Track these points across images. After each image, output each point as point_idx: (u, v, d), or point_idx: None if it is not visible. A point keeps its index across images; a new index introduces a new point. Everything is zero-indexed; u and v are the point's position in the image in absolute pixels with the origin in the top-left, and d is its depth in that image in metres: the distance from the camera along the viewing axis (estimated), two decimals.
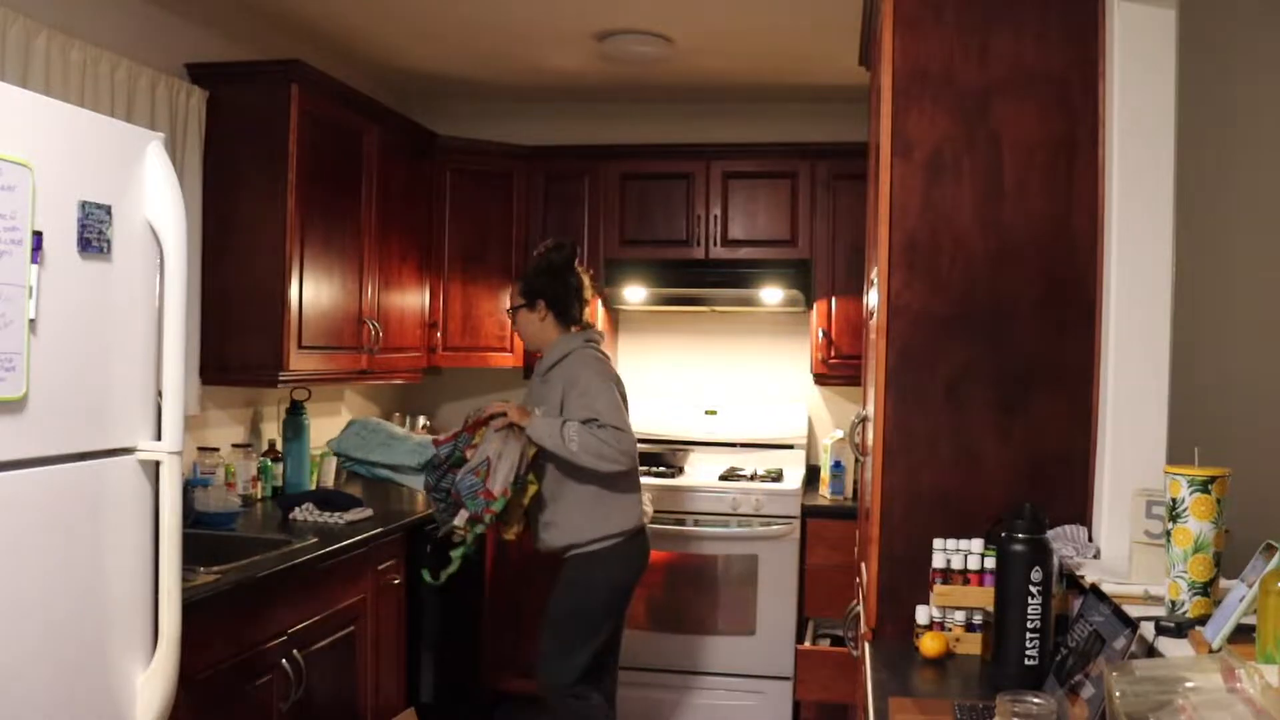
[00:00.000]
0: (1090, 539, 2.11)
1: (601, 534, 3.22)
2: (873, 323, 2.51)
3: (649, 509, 3.43)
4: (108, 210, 1.94)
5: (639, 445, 4.57)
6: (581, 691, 3.27)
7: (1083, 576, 1.90)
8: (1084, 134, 2.16)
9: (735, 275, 4.42)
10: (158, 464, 2.07)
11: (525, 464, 3.12)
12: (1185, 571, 1.61)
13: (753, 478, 4.30)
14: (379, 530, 3.26)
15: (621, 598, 3.33)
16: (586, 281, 3.35)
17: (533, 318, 3.30)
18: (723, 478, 4.31)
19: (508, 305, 3.38)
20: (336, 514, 3.33)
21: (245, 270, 3.36)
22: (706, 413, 4.71)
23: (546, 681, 3.27)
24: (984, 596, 2.04)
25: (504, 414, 3.12)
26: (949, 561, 2.09)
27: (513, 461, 3.09)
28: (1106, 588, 1.77)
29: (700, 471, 4.48)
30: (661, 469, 4.40)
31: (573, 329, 3.31)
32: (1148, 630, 1.58)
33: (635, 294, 4.47)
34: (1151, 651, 1.56)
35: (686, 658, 4.13)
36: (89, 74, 2.86)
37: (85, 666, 1.93)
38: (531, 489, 3.19)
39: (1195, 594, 1.60)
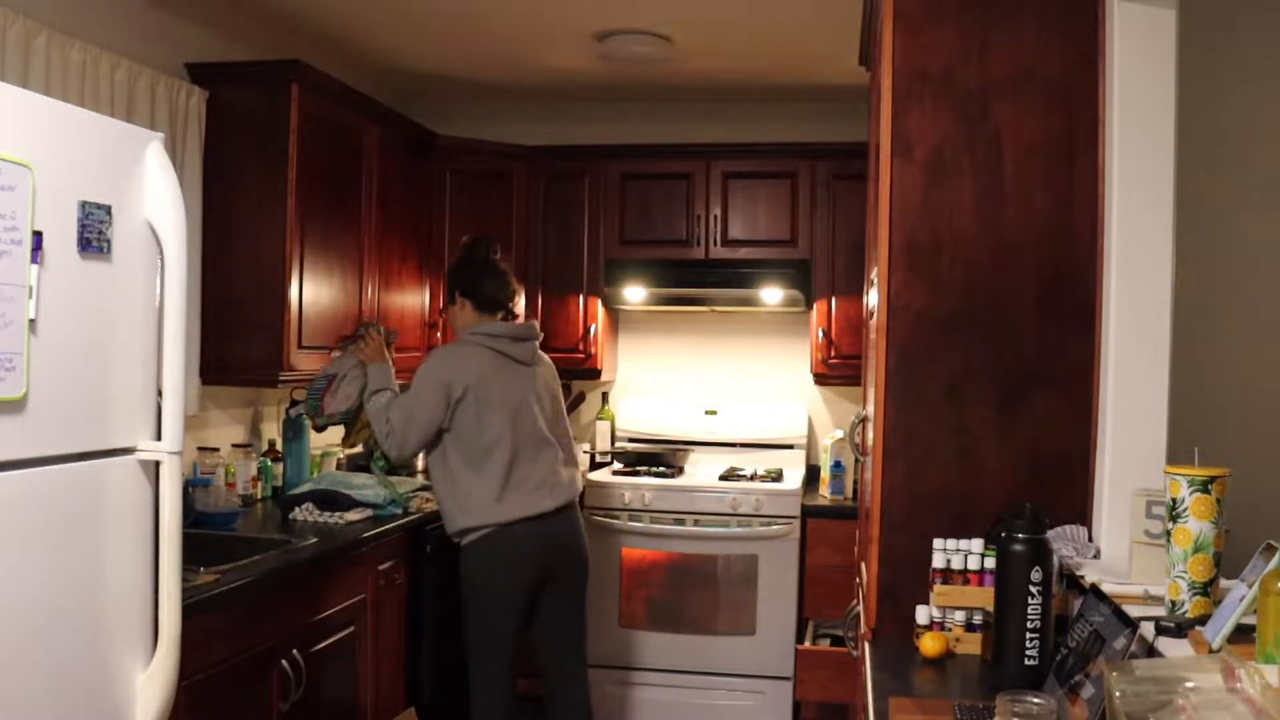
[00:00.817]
0: (1090, 539, 2.10)
1: (462, 525, 3.17)
2: (873, 323, 2.51)
3: (530, 507, 3.19)
4: (108, 210, 1.94)
5: (639, 445, 4.64)
6: None
7: (1083, 576, 1.90)
8: (1084, 134, 2.16)
9: (735, 275, 4.42)
10: (158, 464, 2.07)
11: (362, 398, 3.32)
12: (1185, 571, 1.61)
13: (753, 478, 4.30)
14: (379, 530, 3.26)
15: (494, 603, 3.17)
16: (504, 269, 3.36)
17: (456, 311, 3.34)
18: (723, 478, 4.30)
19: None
20: (336, 514, 3.33)
21: (245, 270, 3.37)
22: (706, 413, 4.71)
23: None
24: (984, 596, 2.04)
25: (366, 344, 3.33)
26: (949, 561, 2.09)
27: (349, 394, 3.32)
28: (1106, 588, 1.77)
29: (700, 471, 4.48)
30: (661, 469, 4.40)
31: (497, 318, 3.32)
32: (1148, 630, 1.58)
33: (635, 294, 4.47)
34: (1151, 651, 1.56)
35: (686, 658, 4.12)
36: (89, 74, 2.86)
37: (85, 666, 1.93)
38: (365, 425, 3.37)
39: (1195, 594, 1.60)
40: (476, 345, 3.23)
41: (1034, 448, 2.19)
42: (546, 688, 3.45)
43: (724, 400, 4.77)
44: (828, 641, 3.97)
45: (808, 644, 3.89)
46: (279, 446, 3.83)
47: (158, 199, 2.06)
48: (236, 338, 3.37)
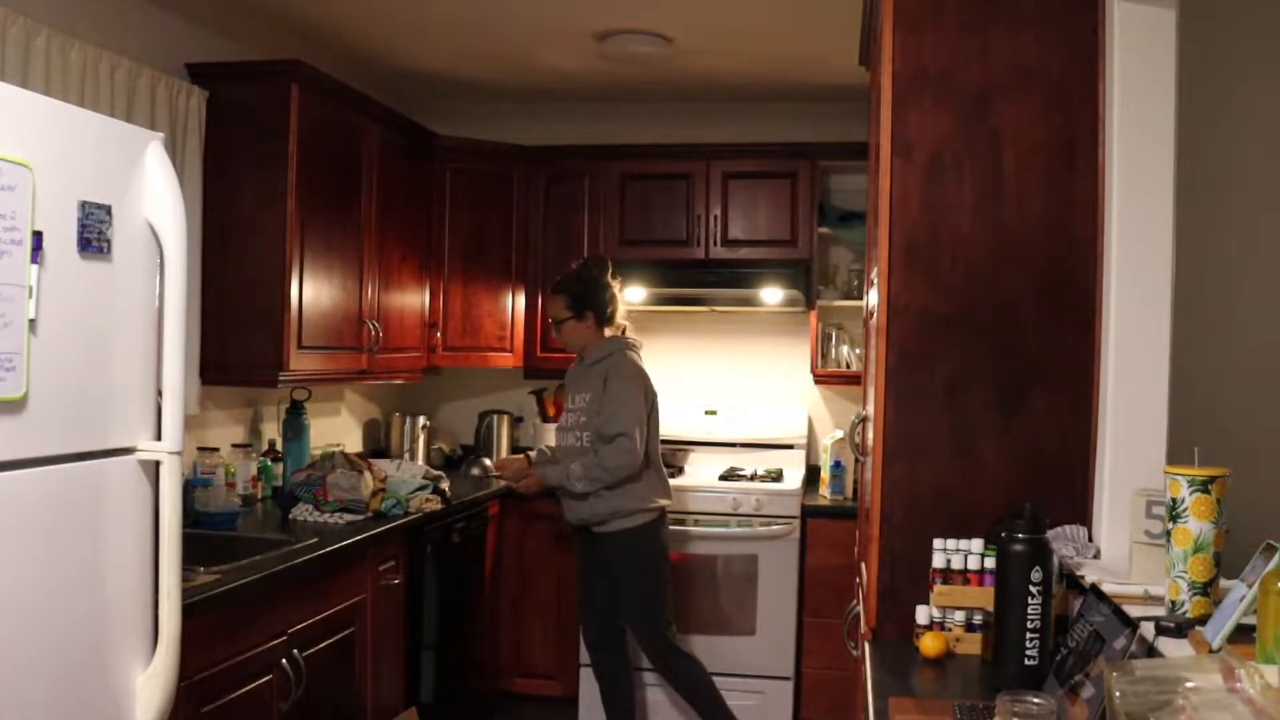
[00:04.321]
0: (1090, 539, 2.11)
1: (633, 508, 3.68)
2: (873, 323, 2.51)
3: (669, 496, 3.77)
4: (108, 210, 1.94)
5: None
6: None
7: (1083, 576, 1.90)
8: (1084, 134, 2.16)
9: (735, 275, 4.42)
10: (158, 464, 2.07)
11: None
12: (1185, 571, 1.61)
13: (753, 478, 4.30)
14: (379, 530, 3.25)
15: (653, 576, 3.72)
16: (618, 290, 3.77)
17: (581, 327, 3.69)
18: (723, 478, 4.30)
19: (554, 318, 3.73)
20: (336, 514, 3.33)
21: (245, 270, 3.36)
22: (706, 413, 4.70)
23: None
24: (984, 596, 2.04)
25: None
26: (949, 561, 2.09)
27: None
28: (1106, 588, 1.77)
29: (700, 471, 4.47)
30: None
31: (608, 331, 3.72)
32: (1148, 630, 1.58)
33: (635, 294, 4.47)
34: (1151, 651, 1.56)
35: None
36: (89, 74, 2.86)
37: (85, 666, 1.93)
38: None
39: (1195, 594, 1.60)
40: (638, 354, 3.71)
41: (1034, 447, 2.19)
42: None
43: (724, 400, 4.77)
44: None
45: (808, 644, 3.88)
46: (279, 446, 3.83)
47: (158, 199, 2.06)
48: (236, 338, 3.37)
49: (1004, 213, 2.19)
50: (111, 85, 2.95)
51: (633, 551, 3.65)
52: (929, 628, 2.09)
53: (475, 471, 3.94)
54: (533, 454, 4.02)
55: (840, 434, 4.32)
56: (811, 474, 4.57)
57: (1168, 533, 1.64)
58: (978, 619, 2.06)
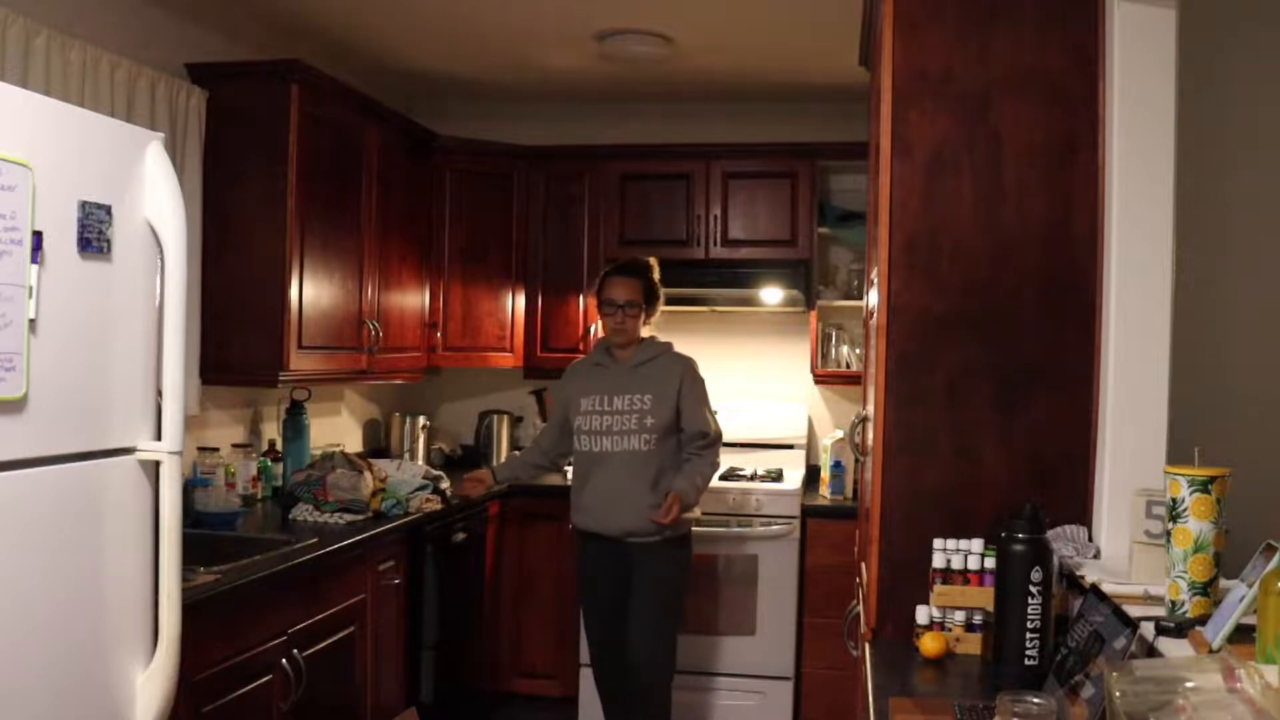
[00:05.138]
0: (1090, 539, 2.10)
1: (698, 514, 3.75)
2: (873, 323, 2.51)
3: (578, 516, 3.62)
4: (108, 210, 1.94)
5: None
6: None
7: (1083, 576, 1.90)
8: (1084, 134, 2.16)
9: (735, 275, 4.42)
10: (158, 464, 2.07)
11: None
12: (1185, 571, 1.61)
13: (753, 478, 4.30)
14: (379, 530, 3.25)
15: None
16: None
17: (643, 318, 3.63)
18: (723, 478, 4.30)
19: (628, 300, 3.56)
20: (337, 514, 3.33)
21: (245, 270, 3.36)
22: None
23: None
24: (984, 596, 2.04)
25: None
26: (949, 561, 2.08)
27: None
28: (1106, 588, 1.77)
29: None
30: None
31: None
32: (1148, 630, 1.58)
33: None
34: (1151, 651, 1.56)
35: (687, 658, 4.11)
36: (89, 74, 2.86)
37: (85, 667, 1.93)
38: None
39: (1195, 594, 1.60)
40: None
41: (1034, 447, 2.19)
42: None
43: (724, 400, 4.76)
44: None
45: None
46: (279, 446, 3.83)
47: (158, 199, 2.06)
48: (236, 338, 3.37)
49: (1004, 212, 2.19)
50: (111, 85, 2.95)
51: (673, 557, 3.56)
52: (929, 628, 2.08)
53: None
54: (494, 466, 3.96)
55: (840, 434, 4.32)
56: (811, 474, 4.57)
57: (1168, 533, 1.64)
58: (978, 619, 2.06)
